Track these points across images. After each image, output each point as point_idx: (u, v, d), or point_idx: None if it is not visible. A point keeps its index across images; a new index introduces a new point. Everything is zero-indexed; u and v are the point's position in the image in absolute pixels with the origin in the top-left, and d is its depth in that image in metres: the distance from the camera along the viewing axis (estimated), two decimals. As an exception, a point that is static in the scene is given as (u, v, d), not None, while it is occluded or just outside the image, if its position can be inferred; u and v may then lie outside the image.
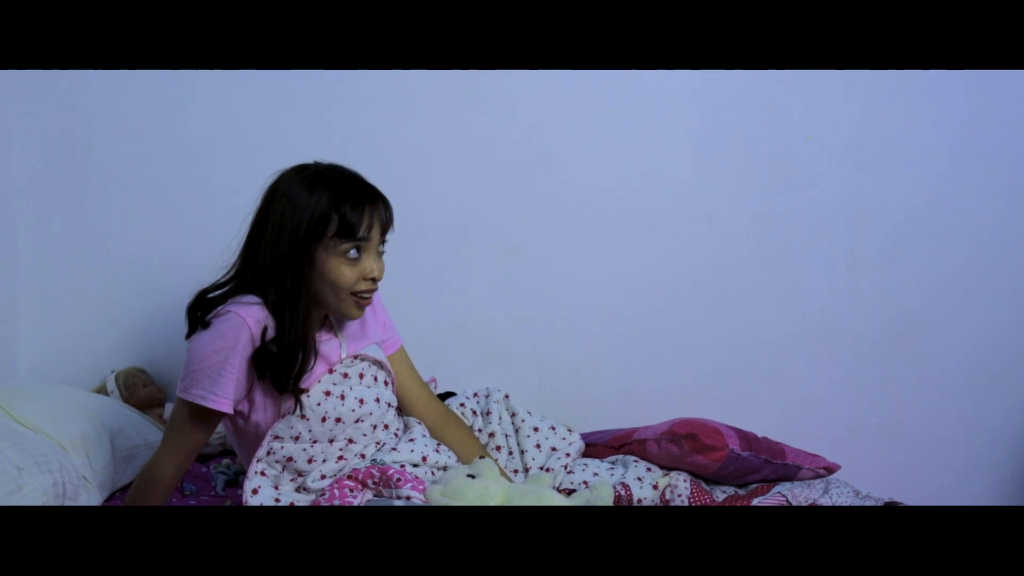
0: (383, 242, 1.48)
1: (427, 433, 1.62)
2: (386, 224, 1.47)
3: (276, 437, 1.46)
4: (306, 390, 1.46)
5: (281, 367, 1.41)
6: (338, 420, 1.48)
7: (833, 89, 2.16)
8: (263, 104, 2.08)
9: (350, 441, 1.52)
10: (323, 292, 1.44)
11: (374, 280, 1.46)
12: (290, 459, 1.48)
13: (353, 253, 1.43)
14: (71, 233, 2.09)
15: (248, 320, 1.40)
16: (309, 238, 1.40)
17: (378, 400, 1.55)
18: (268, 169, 1.48)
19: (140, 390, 2.02)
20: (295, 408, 1.45)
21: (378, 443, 1.56)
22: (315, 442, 1.49)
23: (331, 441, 1.50)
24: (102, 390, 2.01)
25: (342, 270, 1.42)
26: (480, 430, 1.73)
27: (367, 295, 1.47)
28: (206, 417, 1.43)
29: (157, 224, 2.10)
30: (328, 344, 1.52)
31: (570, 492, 1.59)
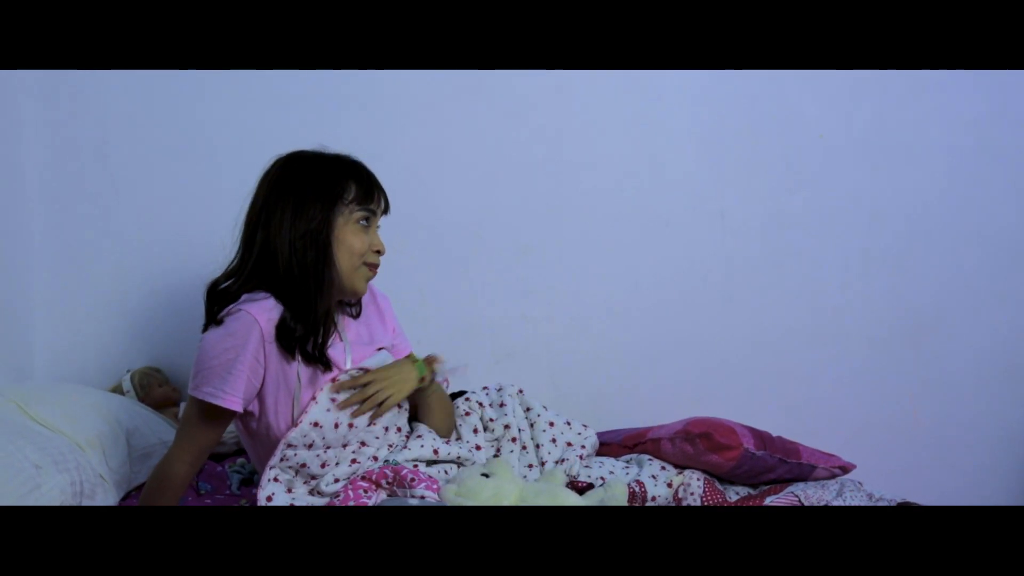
0: (384, 215, 1.54)
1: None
2: (386, 205, 1.53)
3: (289, 445, 1.47)
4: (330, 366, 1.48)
5: (307, 337, 1.44)
6: (351, 425, 1.49)
7: (845, 88, 2.16)
8: (275, 104, 2.09)
9: (363, 444, 1.53)
10: (340, 261, 1.47)
11: (379, 253, 1.51)
12: (303, 465, 1.48)
13: (364, 223, 1.48)
14: (85, 233, 2.10)
15: (259, 318, 1.41)
16: (330, 204, 1.44)
17: None
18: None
19: (155, 389, 2.03)
20: (325, 370, 1.48)
21: (390, 445, 1.57)
22: (328, 448, 1.49)
23: (344, 446, 1.51)
24: (118, 390, 2.03)
25: (356, 237, 1.47)
26: (492, 419, 1.73)
27: (374, 267, 1.52)
28: (217, 415, 1.44)
29: (171, 223, 2.11)
30: (334, 348, 1.52)
31: (586, 486, 1.59)
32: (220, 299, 1.46)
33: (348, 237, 1.46)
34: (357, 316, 1.61)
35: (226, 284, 1.48)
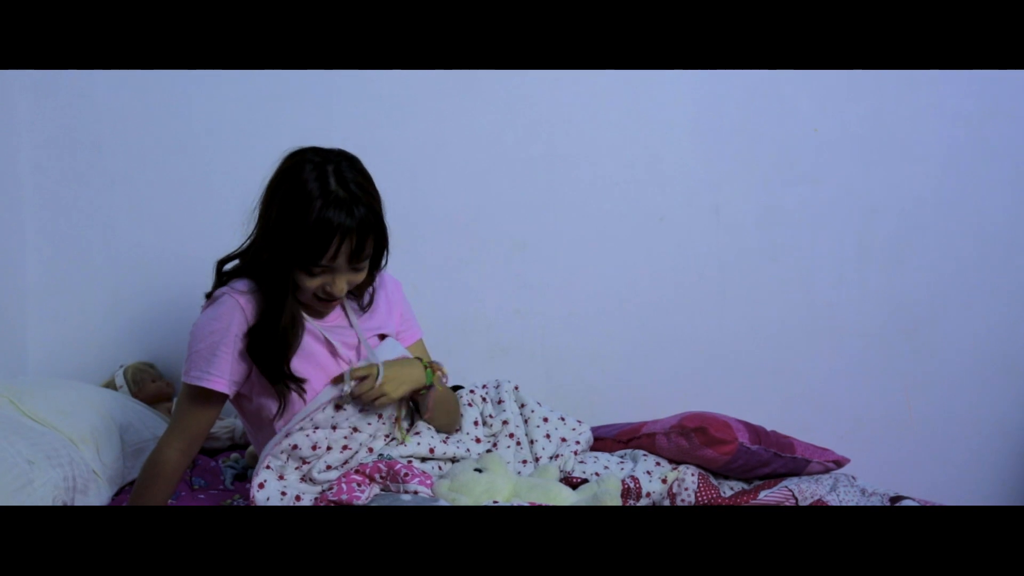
0: (358, 264, 1.44)
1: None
2: (355, 252, 1.41)
3: (287, 434, 1.47)
4: (304, 380, 1.47)
5: (271, 354, 1.43)
6: (338, 407, 1.49)
7: (839, 84, 2.16)
8: (269, 103, 2.08)
9: (355, 430, 1.52)
10: (297, 291, 1.46)
11: (331, 296, 1.46)
12: (295, 447, 1.49)
13: (316, 270, 1.42)
14: (78, 229, 2.10)
15: (241, 302, 1.44)
16: (292, 250, 1.40)
17: None
18: (274, 167, 1.48)
19: (148, 384, 2.02)
20: (294, 394, 1.46)
21: (387, 436, 1.57)
22: (316, 428, 1.49)
23: (334, 428, 1.51)
24: (111, 385, 2.02)
25: (303, 278, 1.43)
26: (492, 416, 1.73)
27: (325, 302, 1.48)
28: (206, 399, 1.46)
29: (163, 220, 2.10)
30: (344, 332, 1.53)
31: (580, 482, 1.59)
32: (217, 281, 1.50)
33: (297, 277, 1.43)
34: (367, 308, 1.59)
35: (229, 265, 1.51)
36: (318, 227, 1.37)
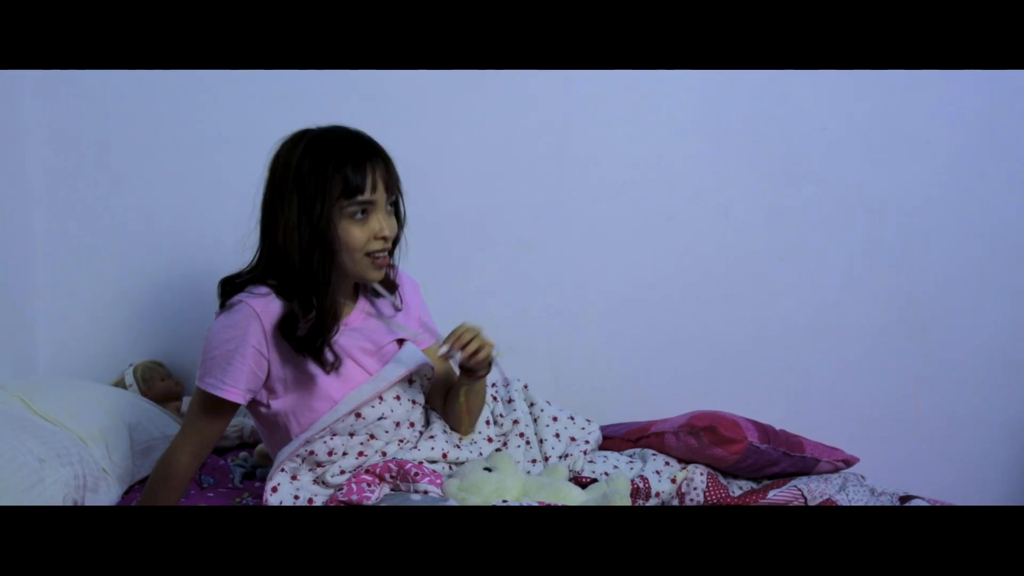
0: (392, 201, 1.48)
1: (447, 429, 1.62)
2: (390, 181, 1.45)
3: (306, 441, 1.48)
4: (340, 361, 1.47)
5: (310, 338, 1.43)
6: (358, 415, 1.49)
7: (847, 83, 2.16)
8: (278, 103, 2.08)
9: (371, 437, 1.53)
10: (343, 258, 1.45)
11: (385, 239, 1.45)
12: (311, 452, 1.49)
13: (359, 216, 1.42)
14: (87, 229, 2.10)
15: (258, 310, 1.42)
16: (323, 204, 1.40)
17: (398, 398, 1.54)
18: (267, 161, 1.49)
19: (158, 383, 2.03)
20: (327, 364, 1.46)
21: (401, 440, 1.57)
22: (335, 435, 1.50)
23: (351, 435, 1.51)
24: (120, 384, 2.03)
25: (351, 231, 1.42)
26: (502, 415, 1.74)
27: (380, 254, 1.47)
28: (219, 406, 1.45)
29: (172, 219, 2.11)
30: (360, 336, 1.53)
31: (590, 481, 1.59)
32: (227, 290, 1.48)
33: (342, 234, 1.42)
34: (400, 307, 1.60)
35: (240, 277, 1.49)
36: (351, 162, 1.41)
